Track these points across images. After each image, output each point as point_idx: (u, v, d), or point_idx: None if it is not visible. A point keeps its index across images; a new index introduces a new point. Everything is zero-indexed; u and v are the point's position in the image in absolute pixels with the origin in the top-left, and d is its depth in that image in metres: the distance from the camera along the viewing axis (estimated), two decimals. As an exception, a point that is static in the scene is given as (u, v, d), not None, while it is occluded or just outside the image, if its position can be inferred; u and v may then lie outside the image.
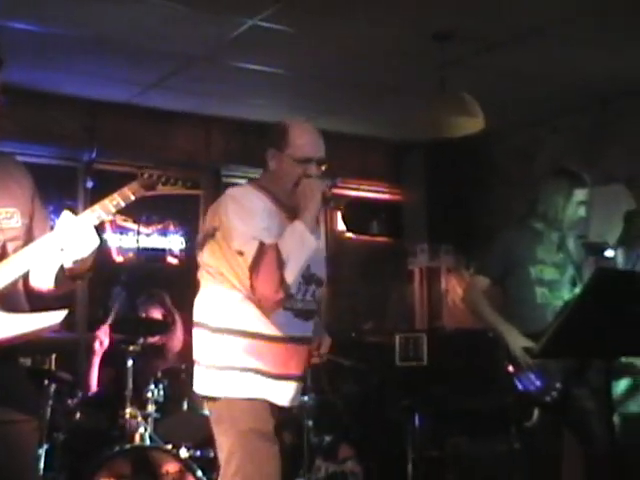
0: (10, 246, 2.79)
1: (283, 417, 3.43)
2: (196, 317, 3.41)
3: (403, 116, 6.08)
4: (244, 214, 3.27)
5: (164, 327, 5.81)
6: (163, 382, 5.20)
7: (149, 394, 5.12)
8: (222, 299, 3.34)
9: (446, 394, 6.50)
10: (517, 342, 4.39)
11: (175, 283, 6.93)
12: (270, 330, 3.32)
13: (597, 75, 6.12)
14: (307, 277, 3.41)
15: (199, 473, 4.91)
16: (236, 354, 3.29)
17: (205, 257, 3.39)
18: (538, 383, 4.35)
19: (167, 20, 5.21)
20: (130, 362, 5.18)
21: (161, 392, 5.17)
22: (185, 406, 5.24)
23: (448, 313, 7.92)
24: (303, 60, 5.94)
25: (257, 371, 3.30)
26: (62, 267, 2.79)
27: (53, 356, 5.38)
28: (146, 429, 5.04)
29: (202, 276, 3.44)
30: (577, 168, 4.69)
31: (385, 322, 7.71)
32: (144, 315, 5.92)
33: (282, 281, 3.17)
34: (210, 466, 5.05)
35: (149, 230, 7.12)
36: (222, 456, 3.34)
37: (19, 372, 2.92)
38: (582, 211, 4.57)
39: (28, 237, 2.87)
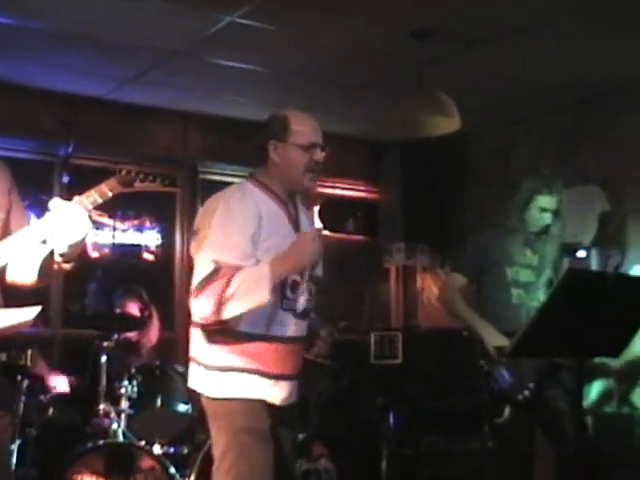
0: None
1: (281, 414, 3.41)
2: (194, 315, 3.36)
3: (381, 115, 6.09)
4: (227, 222, 3.24)
5: (139, 323, 5.80)
6: (137, 378, 5.18)
7: (123, 390, 5.10)
8: None
9: (420, 392, 6.52)
10: (492, 338, 4.40)
11: (151, 279, 6.93)
12: (269, 331, 3.33)
13: (573, 75, 6.14)
14: (313, 278, 3.45)
15: (172, 470, 4.91)
16: (235, 355, 3.29)
17: (193, 252, 3.37)
18: (510, 380, 4.37)
19: (145, 14, 5.20)
20: (104, 358, 5.17)
21: (135, 388, 5.15)
22: (159, 402, 5.24)
23: (423, 312, 7.95)
24: (282, 57, 5.94)
25: (255, 372, 3.31)
26: (46, 258, 2.78)
27: (29, 351, 5.35)
28: (119, 425, 5.03)
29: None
30: (549, 173, 4.77)
31: (360, 320, 7.72)
32: (120, 310, 5.91)
33: (218, 315, 3.16)
34: (184, 462, 5.05)
35: (125, 226, 7.09)
36: (217, 452, 3.34)
37: None
38: (547, 218, 4.56)
39: (4, 231, 2.85)
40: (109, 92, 6.64)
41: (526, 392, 4.32)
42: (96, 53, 5.82)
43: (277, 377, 3.36)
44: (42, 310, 2.73)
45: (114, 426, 5.03)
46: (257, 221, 3.29)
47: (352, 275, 7.86)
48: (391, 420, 6.33)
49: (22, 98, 6.48)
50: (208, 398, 3.37)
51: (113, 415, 5.06)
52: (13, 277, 2.88)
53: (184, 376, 5.36)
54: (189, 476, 4.95)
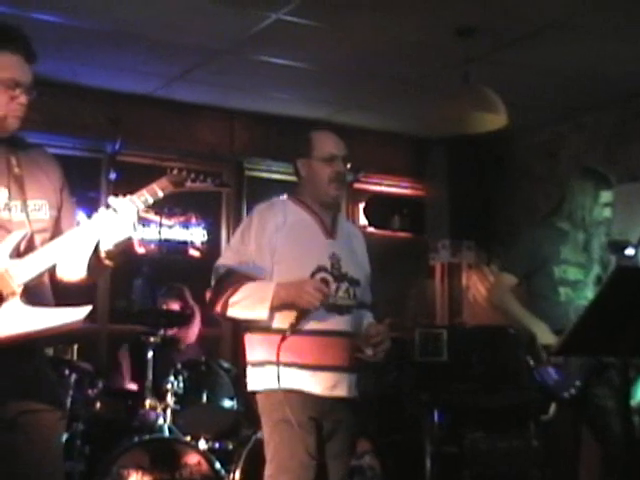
0: (38, 238, 2.79)
1: (332, 406, 3.55)
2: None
3: (426, 111, 6.07)
4: (247, 232, 3.61)
5: (183, 319, 5.84)
6: (183, 374, 5.21)
7: (169, 385, 5.13)
8: None
9: (465, 390, 6.50)
10: (544, 336, 4.41)
11: (197, 275, 6.94)
12: (303, 325, 3.50)
13: (621, 71, 6.08)
14: (337, 275, 3.62)
15: (217, 465, 4.93)
16: (272, 350, 3.47)
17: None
18: (556, 378, 4.39)
19: (191, 13, 5.23)
20: (150, 353, 5.20)
21: (180, 384, 5.18)
22: (204, 398, 5.26)
23: (468, 309, 7.90)
24: (327, 54, 5.94)
25: (292, 364, 3.49)
26: (95, 255, 2.80)
27: (75, 346, 5.41)
28: (165, 420, 5.06)
29: None
30: (602, 169, 4.71)
31: (405, 317, 7.70)
32: (164, 307, 5.96)
33: (224, 310, 3.53)
34: (229, 458, 5.07)
35: (171, 222, 7.14)
36: (265, 444, 3.57)
37: (44, 365, 2.92)
38: (607, 212, 4.60)
39: (56, 229, 2.87)
40: (156, 89, 6.69)
41: (572, 390, 4.33)
42: (143, 51, 5.86)
43: (315, 368, 3.51)
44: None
45: (160, 421, 5.06)
46: (273, 230, 3.58)
47: (397, 272, 7.83)
48: (435, 418, 6.31)
49: (70, 96, 6.54)
50: (254, 393, 3.59)
51: (159, 410, 5.10)
52: (62, 273, 2.91)
53: (229, 372, 5.40)
54: (234, 471, 4.96)
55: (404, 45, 5.70)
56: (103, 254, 2.79)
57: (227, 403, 5.31)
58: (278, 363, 3.45)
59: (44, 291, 2.84)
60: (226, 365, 5.48)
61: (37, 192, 2.85)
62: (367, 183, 7.94)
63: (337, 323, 3.58)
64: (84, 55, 5.95)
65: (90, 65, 6.18)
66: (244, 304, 3.49)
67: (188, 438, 5.08)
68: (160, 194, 2.82)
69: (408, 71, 6.22)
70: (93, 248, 2.79)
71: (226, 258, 3.62)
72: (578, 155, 7.15)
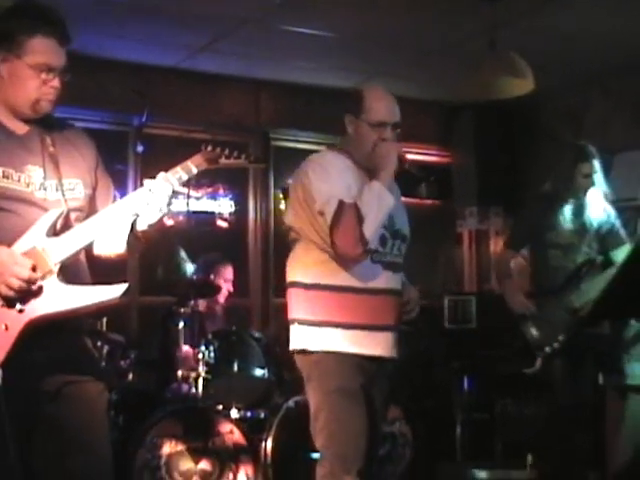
0: (73, 216, 2.81)
1: (379, 368, 3.51)
2: (289, 277, 3.57)
3: (452, 78, 6.04)
4: (324, 175, 3.42)
5: (213, 289, 5.87)
6: (214, 343, 5.25)
7: (200, 355, 5.17)
8: (311, 257, 3.48)
9: (494, 357, 6.50)
10: (514, 297, 5.02)
11: (225, 246, 6.99)
12: (361, 283, 3.44)
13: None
14: (393, 232, 3.55)
15: (249, 433, 4.98)
16: (329, 309, 3.42)
17: (291, 219, 3.57)
18: (537, 334, 4.87)
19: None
20: (181, 324, 5.25)
21: (212, 354, 5.22)
22: (236, 367, 5.30)
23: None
24: (353, 22, 5.91)
25: (347, 325, 3.41)
26: (132, 233, 2.83)
27: (104, 319, 5.45)
28: (197, 390, 5.11)
29: (291, 238, 3.60)
30: (583, 142, 5.16)
31: (434, 285, 7.70)
32: (215, 276, 6.03)
33: (361, 236, 3.31)
34: (260, 426, 5.12)
35: (199, 194, 7.11)
36: (311, 411, 3.48)
37: (83, 340, 2.94)
38: (590, 182, 4.97)
39: (91, 208, 2.88)
40: (181, 61, 6.69)
41: (555, 344, 4.72)
42: (168, 22, 5.86)
43: (371, 328, 3.44)
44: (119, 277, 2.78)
45: (192, 391, 5.12)
46: (347, 173, 3.49)
47: (425, 240, 7.80)
48: (465, 384, 6.33)
49: (95, 69, 6.54)
50: (303, 355, 3.47)
51: (191, 380, 5.14)
52: (99, 250, 2.93)
53: (260, 341, 5.44)
54: (266, 439, 5.02)
55: (430, 12, 5.67)
56: (139, 233, 2.83)
57: (258, 372, 5.35)
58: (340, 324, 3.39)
59: (81, 269, 2.85)
60: (257, 334, 5.51)
61: (72, 171, 2.86)
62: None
63: (391, 281, 3.53)
64: (110, 28, 5.96)
65: (116, 38, 6.19)
66: (370, 209, 3.36)
67: (220, 407, 5.13)
68: (194, 171, 2.81)
69: (434, 38, 6.19)
70: (130, 226, 2.81)
71: (326, 197, 3.40)
72: (604, 119, 7.10)
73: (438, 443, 6.13)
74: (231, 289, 6.24)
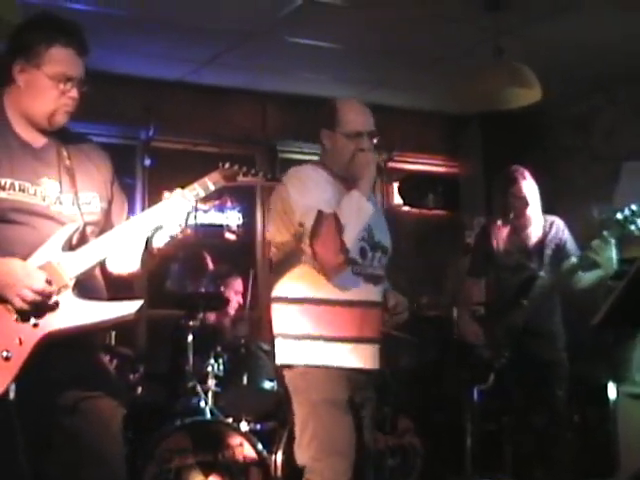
0: (89, 231, 2.81)
1: (364, 380, 3.51)
2: (273, 292, 3.57)
3: (459, 88, 6.04)
4: (302, 187, 3.43)
5: (222, 302, 5.86)
6: (223, 356, 5.25)
7: (209, 368, 5.17)
8: (293, 271, 3.48)
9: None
10: (468, 325, 5.35)
11: (233, 259, 6.98)
12: (343, 296, 3.44)
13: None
14: (372, 244, 3.54)
15: (259, 446, 4.97)
16: (311, 322, 3.42)
17: (272, 235, 3.59)
18: (486, 352, 5.10)
19: (221, -3, 5.24)
20: (190, 337, 5.24)
21: (221, 366, 5.22)
22: (245, 380, 5.30)
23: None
24: (357, 34, 5.92)
25: (332, 338, 3.41)
26: (147, 249, 2.82)
27: (113, 333, 5.45)
28: (207, 403, 5.11)
29: (273, 254, 3.63)
30: (510, 168, 5.38)
31: (442, 296, 7.68)
32: (225, 288, 6.02)
33: (342, 245, 3.31)
34: (270, 439, 5.10)
35: (206, 206, 7.12)
36: (297, 426, 3.45)
37: (100, 357, 2.96)
38: (523, 201, 5.10)
39: (106, 222, 2.88)
40: (187, 75, 6.70)
41: (503, 360, 4.91)
42: (174, 37, 5.86)
43: (356, 340, 3.44)
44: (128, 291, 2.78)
45: (201, 404, 5.11)
46: (326, 185, 3.51)
47: (433, 250, 7.82)
48: (475, 395, 6.30)
49: (102, 83, 6.45)
50: (288, 370, 3.46)
51: (200, 393, 5.13)
52: (112, 267, 2.92)
53: (269, 354, 5.42)
54: (276, 452, 5.00)
55: (434, 22, 5.67)
56: (155, 250, 2.82)
57: (267, 384, 5.34)
58: (322, 337, 3.40)
59: (96, 284, 2.85)
60: (266, 347, 5.50)
61: (88, 185, 2.85)
62: (401, 162, 7.90)
63: (371, 293, 3.53)
64: (116, 43, 5.96)
65: (122, 52, 6.20)
66: (349, 218, 3.37)
67: (230, 420, 5.12)
68: (212, 187, 2.83)
69: (439, 48, 6.19)
70: (145, 242, 2.80)
71: (305, 209, 3.42)
72: (612, 128, 7.09)
73: (448, 454, 6.11)
74: (241, 301, 6.23)
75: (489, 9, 5.35)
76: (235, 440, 4.96)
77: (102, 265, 2.87)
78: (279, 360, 3.51)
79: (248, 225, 7.36)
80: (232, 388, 5.28)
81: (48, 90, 2.76)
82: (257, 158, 7.39)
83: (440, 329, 6.89)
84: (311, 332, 3.41)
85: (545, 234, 5.07)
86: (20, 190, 2.70)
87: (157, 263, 2.92)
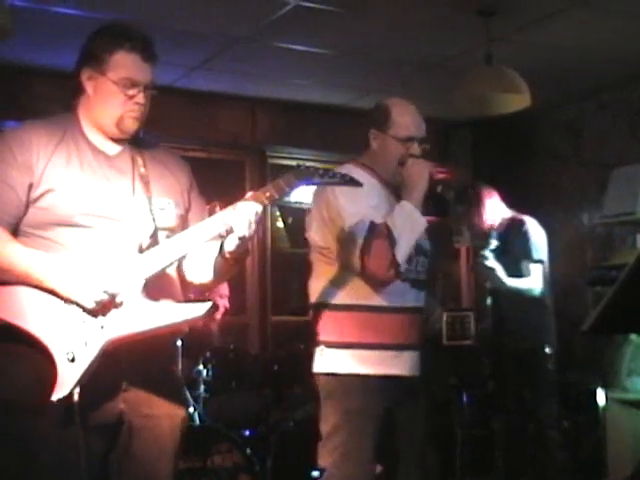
0: (163, 236, 2.77)
1: (407, 388, 3.45)
2: (314, 298, 3.49)
3: (449, 94, 6.04)
4: (351, 193, 3.23)
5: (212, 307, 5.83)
6: (212, 362, 5.23)
7: (198, 374, 5.15)
8: (336, 278, 3.40)
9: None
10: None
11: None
12: (390, 302, 3.38)
13: (642, 47, 6.03)
14: (417, 248, 3.48)
15: (248, 451, 4.95)
16: (359, 330, 3.35)
17: (315, 239, 3.48)
18: None
19: (210, 1, 5.22)
20: (179, 342, 5.21)
21: (210, 372, 5.20)
22: (234, 386, 5.28)
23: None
24: (347, 39, 5.91)
25: (376, 346, 3.35)
26: (220, 255, 2.77)
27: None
28: (196, 409, 5.09)
29: (315, 258, 3.53)
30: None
31: (432, 300, 7.67)
32: (209, 293, 5.98)
33: (393, 260, 3.24)
34: (260, 444, 5.09)
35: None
36: (325, 429, 3.40)
37: (169, 369, 2.93)
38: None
39: (183, 229, 2.82)
40: (176, 80, 6.68)
41: None
42: (162, 42, 5.75)
43: (400, 347, 3.40)
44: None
45: (190, 410, 5.09)
46: (372, 192, 3.40)
47: (423, 256, 7.82)
48: (464, 401, 6.30)
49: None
50: (326, 375, 3.40)
51: (189, 399, 5.11)
52: (190, 276, 2.90)
53: (257, 359, 5.42)
54: (265, 459, 4.99)
55: (425, 27, 5.67)
56: (227, 255, 2.75)
57: (256, 390, 5.32)
58: (365, 345, 3.34)
59: (170, 286, 2.82)
60: (254, 352, 5.50)
61: (163, 191, 2.84)
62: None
63: (418, 299, 3.50)
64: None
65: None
66: (403, 232, 3.30)
67: (218, 426, 5.10)
68: (286, 189, 2.75)
69: (429, 54, 6.19)
70: (218, 248, 2.75)
71: (356, 217, 3.32)
72: (602, 134, 7.11)
73: (438, 460, 6.10)
74: (227, 305, 6.21)
75: (482, 15, 5.35)
76: (224, 446, 4.95)
77: (182, 275, 2.86)
78: (319, 368, 3.43)
79: (237, 230, 7.33)
80: (221, 394, 5.26)
81: (114, 96, 2.77)
82: (246, 163, 7.38)
83: (430, 335, 6.89)
84: (356, 340, 3.34)
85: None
86: (89, 196, 2.69)
87: (234, 269, 2.85)
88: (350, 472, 3.32)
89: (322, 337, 3.43)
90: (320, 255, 3.48)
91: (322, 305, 3.44)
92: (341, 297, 3.39)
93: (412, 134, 3.50)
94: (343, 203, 3.32)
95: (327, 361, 3.40)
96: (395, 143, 3.48)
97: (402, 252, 3.26)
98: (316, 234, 3.46)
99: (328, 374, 3.39)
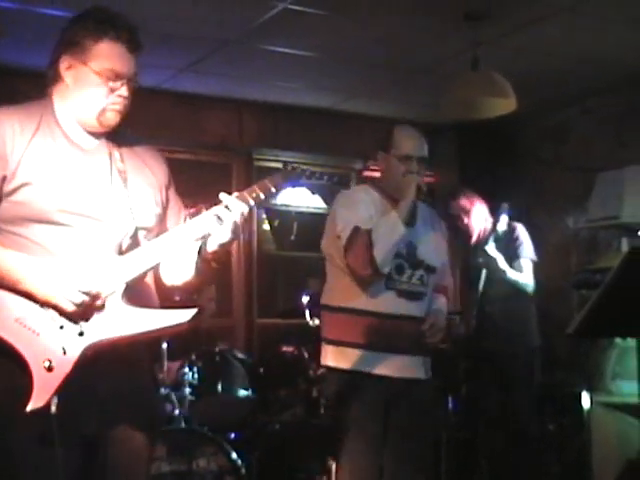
0: (142, 235, 2.63)
1: (403, 389, 3.79)
2: (321, 300, 4.00)
3: (435, 98, 6.06)
4: (347, 203, 3.88)
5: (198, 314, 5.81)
6: (197, 364, 5.23)
7: (184, 376, 5.14)
8: (336, 282, 3.90)
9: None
10: None
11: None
12: (375, 308, 3.77)
13: (629, 54, 6.06)
14: (413, 262, 3.85)
15: (234, 455, 4.94)
16: (348, 330, 3.79)
17: (323, 245, 3.97)
18: None
19: (198, 4, 5.22)
20: (164, 345, 5.21)
21: (196, 374, 5.20)
22: (219, 388, 5.27)
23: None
24: (334, 42, 5.92)
25: (365, 346, 3.76)
26: (201, 256, 2.66)
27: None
28: (181, 411, 5.08)
29: (326, 263, 3.99)
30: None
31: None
32: (196, 296, 5.96)
33: (371, 259, 3.64)
34: (245, 448, 5.09)
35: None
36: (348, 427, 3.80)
37: (145, 379, 2.82)
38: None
39: (161, 228, 2.73)
40: (163, 82, 6.68)
41: None
42: (150, 44, 5.73)
43: (385, 350, 3.76)
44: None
45: (176, 412, 5.08)
46: (370, 205, 3.88)
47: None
48: (450, 405, 6.31)
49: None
50: (330, 371, 3.88)
51: (174, 401, 5.10)
52: (166, 278, 2.79)
53: (243, 362, 5.41)
54: (251, 461, 4.98)
55: (412, 32, 5.68)
56: (209, 255, 2.64)
57: (242, 393, 5.33)
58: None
59: (147, 292, 2.69)
60: (240, 355, 5.49)
61: (141, 188, 2.71)
62: (377, 171, 7.91)
63: (404, 307, 3.80)
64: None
65: (97, 59, 6.17)
66: (381, 236, 3.67)
67: (204, 428, 5.09)
68: (272, 189, 2.68)
69: (416, 57, 6.21)
70: (198, 248, 2.65)
71: (345, 223, 3.78)
72: (586, 139, 7.14)
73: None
74: (214, 308, 6.21)
75: (469, 20, 5.36)
76: (209, 449, 4.94)
77: (157, 276, 2.75)
78: (322, 361, 3.92)
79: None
80: (207, 396, 5.25)
81: (96, 87, 2.63)
82: (233, 165, 7.38)
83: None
84: (346, 339, 3.79)
85: None
86: (67, 191, 2.55)
87: (215, 271, 2.73)
88: (353, 467, 3.74)
89: (324, 334, 3.94)
90: (326, 261, 3.96)
91: (324, 306, 3.97)
92: (337, 300, 3.87)
93: (409, 153, 3.94)
94: (339, 212, 3.84)
95: (327, 356, 3.89)
96: (395, 161, 3.92)
97: (380, 253, 3.64)
98: (323, 242, 3.95)
99: (328, 368, 3.89)
